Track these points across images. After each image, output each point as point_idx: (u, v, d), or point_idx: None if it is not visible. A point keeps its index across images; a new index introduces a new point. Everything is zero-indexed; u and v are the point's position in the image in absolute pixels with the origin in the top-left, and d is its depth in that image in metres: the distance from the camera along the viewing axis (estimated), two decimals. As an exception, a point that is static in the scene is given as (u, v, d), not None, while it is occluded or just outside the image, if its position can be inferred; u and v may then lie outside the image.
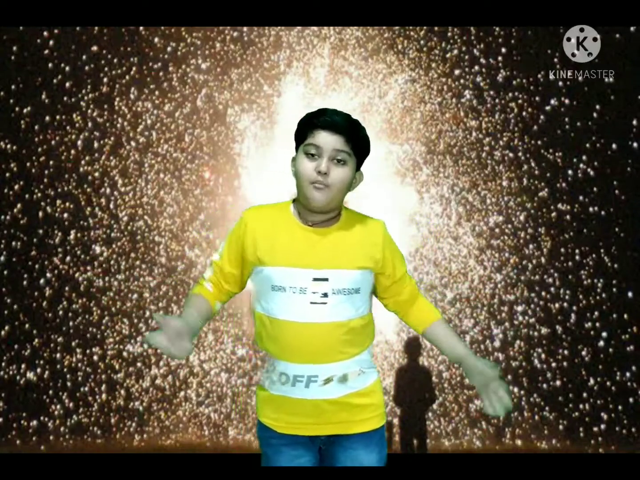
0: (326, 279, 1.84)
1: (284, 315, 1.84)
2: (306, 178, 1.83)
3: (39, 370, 5.72)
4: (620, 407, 5.78)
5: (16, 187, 5.84)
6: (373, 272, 1.94)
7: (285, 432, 1.91)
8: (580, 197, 5.97)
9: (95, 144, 5.95)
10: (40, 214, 5.84)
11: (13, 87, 5.87)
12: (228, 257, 1.95)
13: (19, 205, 5.83)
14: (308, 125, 1.85)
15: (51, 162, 5.89)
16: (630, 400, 5.77)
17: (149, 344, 1.67)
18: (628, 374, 5.79)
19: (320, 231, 1.88)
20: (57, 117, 5.91)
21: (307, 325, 1.83)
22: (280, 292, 1.84)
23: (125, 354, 5.83)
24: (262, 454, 1.98)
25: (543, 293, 5.94)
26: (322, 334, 1.83)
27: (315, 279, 1.84)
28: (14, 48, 5.85)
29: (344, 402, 1.90)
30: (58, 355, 5.75)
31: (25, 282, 5.78)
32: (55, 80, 5.91)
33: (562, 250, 5.96)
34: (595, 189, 5.96)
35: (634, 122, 5.92)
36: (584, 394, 5.83)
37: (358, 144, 1.87)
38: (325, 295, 1.83)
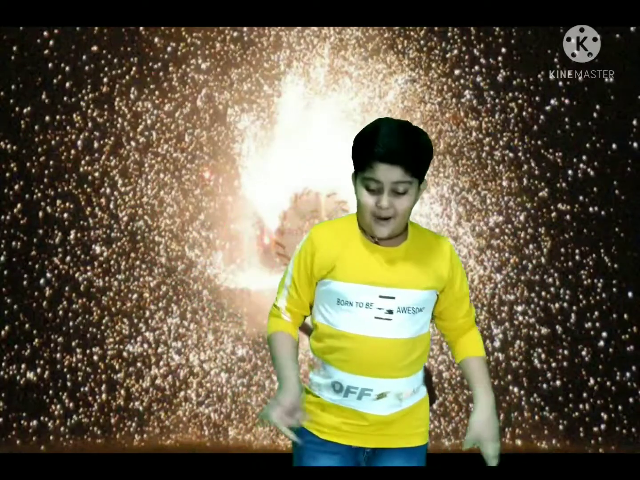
0: (393, 297, 1.84)
1: (348, 328, 1.84)
2: (368, 211, 1.82)
3: (39, 370, 5.72)
4: (620, 407, 5.78)
5: (16, 187, 5.84)
6: (437, 291, 1.94)
7: (328, 438, 1.90)
8: (580, 197, 5.96)
9: (95, 144, 5.95)
10: (40, 214, 5.84)
11: (13, 87, 5.86)
12: (299, 281, 1.91)
13: (19, 205, 5.83)
14: (365, 154, 1.80)
15: (51, 162, 5.89)
16: (630, 400, 5.77)
17: (268, 421, 1.69)
18: (628, 374, 5.79)
19: (389, 250, 1.88)
20: (57, 117, 5.91)
21: (369, 338, 1.83)
22: (347, 306, 1.84)
23: (125, 354, 5.83)
24: (294, 460, 1.96)
25: (543, 293, 5.94)
26: (383, 348, 1.83)
27: (381, 296, 1.84)
28: (14, 48, 5.85)
29: (393, 418, 1.90)
30: (58, 355, 5.75)
31: (25, 282, 5.78)
32: (55, 80, 5.90)
33: (562, 250, 5.96)
34: (595, 189, 5.96)
35: (634, 122, 5.91)
36: (584, 394, 5.82)
37: (418, 167, 1.82)
38: (390, 312, 1.84)
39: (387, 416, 1.89)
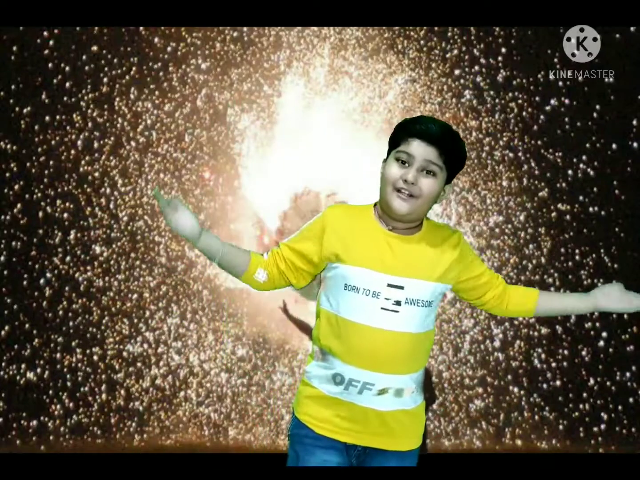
0: (401, 287, 1.78)
1: (352, 317, 1.78)
2: (390, 182, 1.78)
3: (39, 370, 5.72)
4: (620, 407, 5.78)
5: (16, 187, 5.84)
6: (450, 285, 1.89)
7: (323, 433, 1.84)
8: (580, 197, 5.96)
9: (95, 144, 5.94)
10: (40, 214, 5.84)
11: (13, 87, 5.86)
12: (295, 245, 1.87)
13: (19, 205, 5.83)
14: (404, 131, 1.79)
15: (51, 162, 5.89)
16: (630, 400, 5.77)
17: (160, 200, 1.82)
18: (628, 374, 5.79)
19: (402, 238, 1.82)
20: (57, 117, 5.91)
21: (375, 330, 1.77)
22: (353, 292, 1.78)
23: (125, 354, 5.83)
24: (289, 453, 1.90)
25: (543, 293, 5.93)
26: (388, 342, 1.77)
27: (390, 285, 1.78)
28: (14, 48, 5.85)
29: (392, 417, 1.84)
30: (58, 355, 5.75)
31: (25, 282, 5.78)
32: (55, 80, 5.90)
33: (562, 250, 5.96)
34: (595, 189, 5.96)
35: (634, 122, 5.92)
36: (584, 394, 5.83)
37: (452, 157, 1.80)
38: (398, 303, 1.78)
39: (385, 412, 1.82)
